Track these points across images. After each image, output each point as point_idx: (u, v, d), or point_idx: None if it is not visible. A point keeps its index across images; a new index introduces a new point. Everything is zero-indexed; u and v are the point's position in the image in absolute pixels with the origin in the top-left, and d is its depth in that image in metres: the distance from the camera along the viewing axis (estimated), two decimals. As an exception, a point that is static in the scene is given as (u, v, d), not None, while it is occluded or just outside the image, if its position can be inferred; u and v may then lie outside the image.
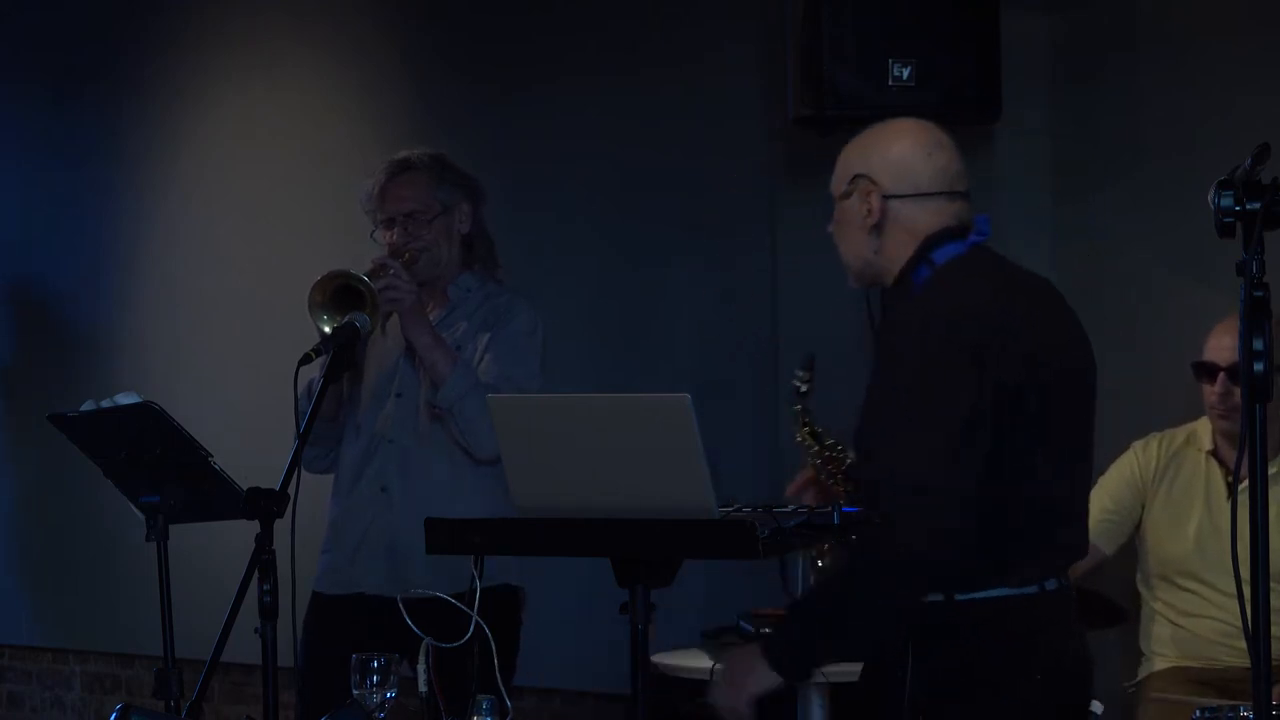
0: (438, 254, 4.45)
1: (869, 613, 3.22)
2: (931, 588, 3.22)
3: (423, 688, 3.31)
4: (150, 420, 3.70)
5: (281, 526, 3.55)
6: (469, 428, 4.26)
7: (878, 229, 3.38)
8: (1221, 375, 4.61)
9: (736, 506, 3.18)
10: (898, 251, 3.37)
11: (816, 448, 3.55)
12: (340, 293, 4.21)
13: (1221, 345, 4.61)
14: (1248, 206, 2.62)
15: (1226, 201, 2.63)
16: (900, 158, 3.40)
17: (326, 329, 4.13)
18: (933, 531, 3.14)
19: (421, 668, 3.31)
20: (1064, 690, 3.33)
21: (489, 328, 4.42)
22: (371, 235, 4.51)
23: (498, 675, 3.21)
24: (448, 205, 4.47)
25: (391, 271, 4.27)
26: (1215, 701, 4.27)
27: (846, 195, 3.41)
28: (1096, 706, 4.01)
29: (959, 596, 3.24)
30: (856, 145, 3.46)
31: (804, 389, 3.56)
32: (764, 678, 3.28)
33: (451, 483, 4.35)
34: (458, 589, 3.33)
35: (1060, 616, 3.35)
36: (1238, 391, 4.44)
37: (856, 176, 3.40)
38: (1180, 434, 4.79)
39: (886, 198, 3.37)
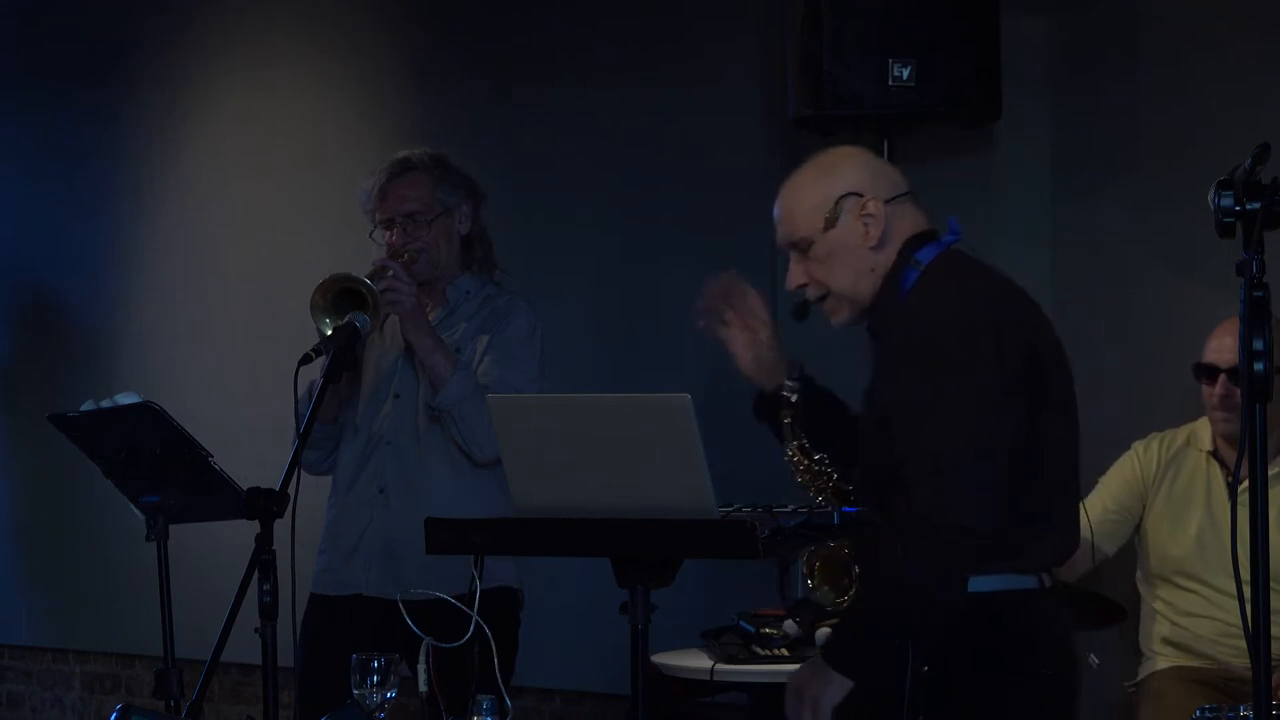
0: (437, 255, 4.45)
1: (926, 597, 3.18)
2: (980, 568, 3.20)
3: (423, 688, 3.31)
4: (150, 420, 3.71)
5: (281, 527, 3.55)
6: (468, 430, 4.26)
7: (880, 242, 3.33)
8: (1222, 377, 4.60)
9: (736, 506, 3.18)
10: (889, 262, 3.34)
11: (805, 463, 3.52)
12: (342, 295, 4.21)
13: (1222, 346, 4.61)
14: (1248, 206, 2.62)
15: (1226, 201, 2.63)
16: (871, 163, 3.39)
17: (328, 331, 4.13)
18: (978, 512, 3.12)
19: (421, 668, 3.31)
20: (1063, 683, 3.34)
21: (488, 330, 4.42)
22: (371, 235, 4.50)
23: (497, 675, 3.21)
24: (448, 206, 4.46)
25: (391, 273, 4.27)
26: (1215, 701, 4.28)
27: (832, 224, 3.34)
28: (1093, 659, 4.05)
29: (970, 586, 3.21)
30: (814, 179, 3.39)
31: (794, 398, 3.50)
32: (835, 687, 3.20)
33: (449, 484, 4.34)
34: (455, 590, 3.33)
35: (1057, 611, 3.36)
36: (1238, 393, 4.44)
37: (841, 198, 3.34)
38: (1181, 434, 4.79)
39: (887, 202, 3.33)
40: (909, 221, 3.36)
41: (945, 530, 3.13)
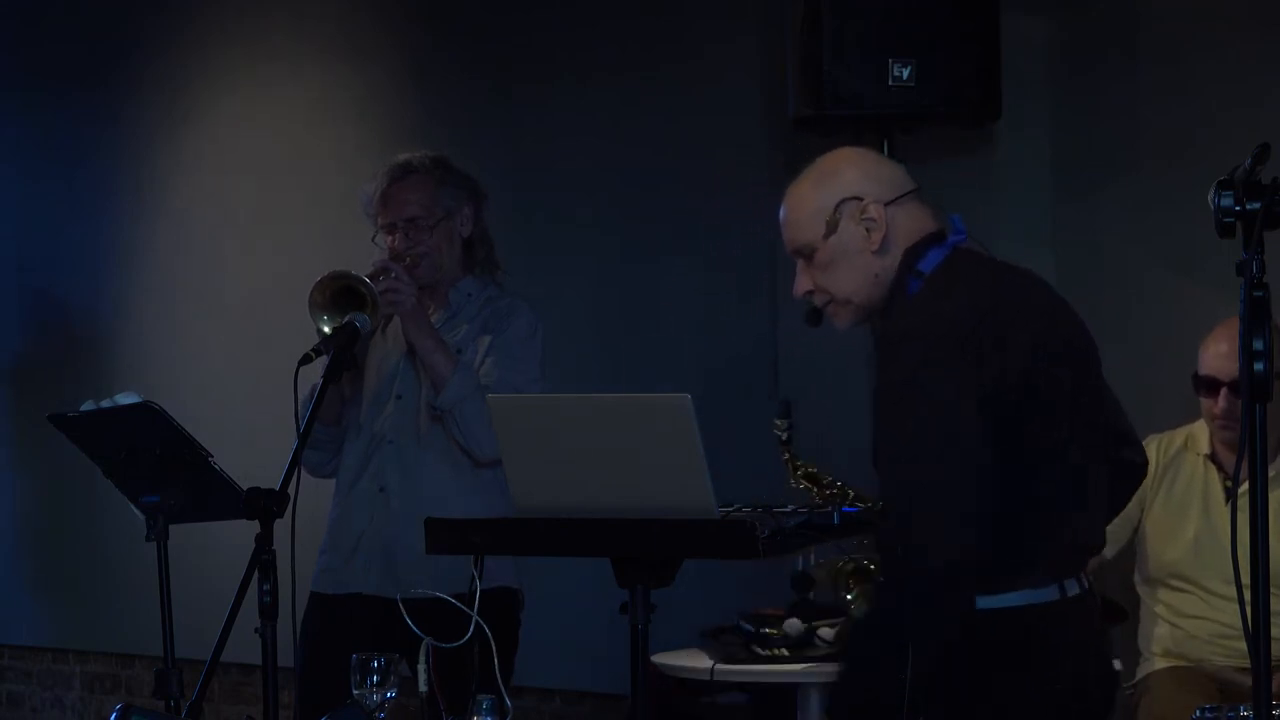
0: (439, 259, 4.45)
1: (917, 639, 3.08)
2: (967, 599, 3.11)
3: (423, 688, 3.31)
4: (150, 420, 3.71)
5: (281, 526, 3.55)
6: (469, 430, 4.26)
7: (883, 246, 3.25)
8: (1224, 390, 4.55)
9: (736, 506, 3.18)
10: (894, 266, 3.26)
11: (816, 489, 3.50)
12: (341, 294, 4.21)
13: (1220, 355, 4.56)
14: (1248, 206, 2.61)
15: (1226, 201, 2.62)
16: (872, 164, 3.32)
17: (326, 329, 4.13)
18: (951, 547, 3.02)
19: (421, 668, 3.31)
20: (1087, 702, 3.25)
21: (489, 331, 4.42)
22: (373, 239, 4.50)
23: (497, 675, 3.21)
24: (449, 210, 4.46)
25: (393, 274, 4.27)
26: (1215, 701, 4.27)
27: (833, 230, 3.27)
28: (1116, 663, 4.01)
29: (980, 604, 3.12)
30: (814, 184, 3.32)
31: (785, 436, 3.48)
32: None
33: (450, 484, 4.35)
34: (455, 590, 3.33)
35: (1083, 625, 3.25)
36: (1240, 405, 4.42)
37: (840, 203, 3.27)
38: (1178, 436, 4.78)
39: (888, 204, 3.26)
40: (915, 222, 3.28)
41: (925, 571, 3.02)
